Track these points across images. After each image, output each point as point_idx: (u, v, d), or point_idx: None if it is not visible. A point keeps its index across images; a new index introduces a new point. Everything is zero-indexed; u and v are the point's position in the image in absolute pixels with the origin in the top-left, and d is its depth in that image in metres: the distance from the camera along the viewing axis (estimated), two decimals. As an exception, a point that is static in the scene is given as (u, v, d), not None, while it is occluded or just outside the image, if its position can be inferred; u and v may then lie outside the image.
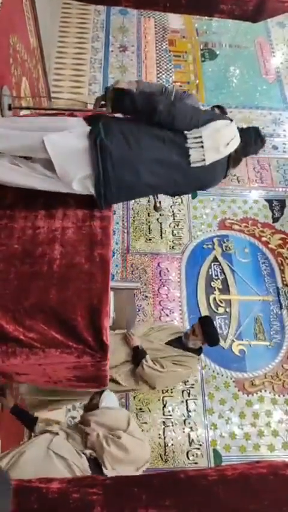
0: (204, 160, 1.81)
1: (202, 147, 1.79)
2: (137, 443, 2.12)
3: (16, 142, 1.73)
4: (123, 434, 2.06)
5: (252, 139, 1.98)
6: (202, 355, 3.67)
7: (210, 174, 1.92)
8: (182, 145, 1.78)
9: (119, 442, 2.04)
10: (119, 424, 2.15)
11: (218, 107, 2.54)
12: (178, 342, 2.76)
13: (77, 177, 1.70)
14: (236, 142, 1.89)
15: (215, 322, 3.82)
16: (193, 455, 3.35)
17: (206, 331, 2.68)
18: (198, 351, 2.76)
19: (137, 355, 2.63)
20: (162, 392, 3.50)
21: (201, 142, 1.79)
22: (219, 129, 1.83)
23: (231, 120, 1.91)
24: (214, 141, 1.81)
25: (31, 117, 2.26)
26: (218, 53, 5.61)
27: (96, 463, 2.03)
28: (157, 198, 2.59)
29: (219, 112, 2.32)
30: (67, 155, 1.68)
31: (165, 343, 2.76)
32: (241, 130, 1.95)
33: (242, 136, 1.92)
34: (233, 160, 1.92)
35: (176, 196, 2.21)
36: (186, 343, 2.72)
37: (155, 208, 2.62)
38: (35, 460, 1.85)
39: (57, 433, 2.07)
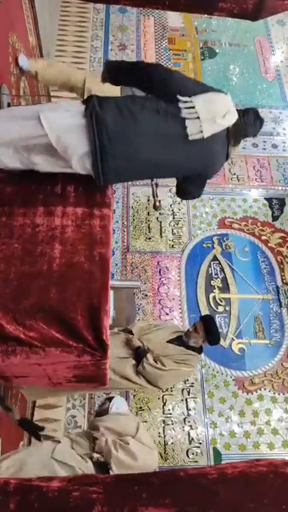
0: (202, 132, 1.76)
1: (198, 118, 1.75)
2: (145, 451, 2.13)
3: (15, 133, 1.72)
4: (131, 441, 2.08)
5: (251, 120, 1.96)
6: (202, 354, 3.69)
7: (211, 151, 1.86)
8: (177, 115, 1.75)
9: (127, 448, 2.06)
10: (128, 430, 2.17)
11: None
12: (179, 341, 2.76)
13: (75, 153, 1.68)
14: (233, 116, 1.86)
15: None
16: (193, 454, 3.35)
17: (207, 329, 2.68)
18: (199, 350, 2.77)
19: (139, 355, 2.63)
20: (162, 392, 3.50)
21: (196, 113, 1.76)
22: (213, 100, 1.82)
23: (226, 93, 1.91)
24: (209, 112, 1.78)
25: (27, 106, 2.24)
26: (217, 51, 5.60)
27: (102, 467, 2.03)
28: (157, 196, 2.59)
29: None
30: (64, 132, 1.67)
31: (166, 342, 2.77)
32: (240, 111, 1.93)
33: (242, 116, 1.91)
34: (232, 136, 1.88)
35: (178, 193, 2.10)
36: (187, 341, 2.72)
37: (155, 207, 2.62)
38: (37, 470, 1.85)
39: (59, 441, 2.08)
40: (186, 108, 1.76)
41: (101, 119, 1.66)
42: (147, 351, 2.64)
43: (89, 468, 2.02)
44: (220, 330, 3.80)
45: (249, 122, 1.95)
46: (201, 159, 1.88)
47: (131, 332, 2.81)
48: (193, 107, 1.76)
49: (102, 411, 2.38)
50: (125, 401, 2.54)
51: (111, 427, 2.20)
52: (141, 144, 1.72)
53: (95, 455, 2.08)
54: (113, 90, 2.61)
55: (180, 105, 1.75)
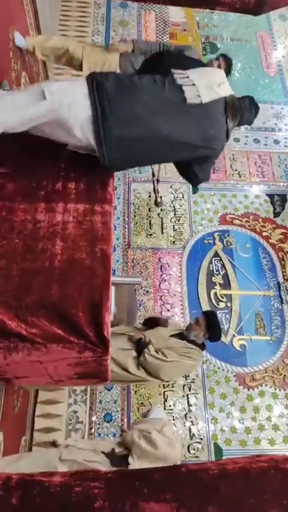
0: (199, 96, 1.81)
1: (194, 85, 1.82)
2: (167, 442, 2.23)
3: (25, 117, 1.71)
4: (154, 432, 2.18)
5: (247, 104, 2.03)
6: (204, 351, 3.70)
7: (210, 118, 1.88)
8: (174, 83, 1.82)
9: (148, 437, 2.15)
10: (155, 426, 2.25)
11: (223, 56, 2.53)
12: (180, 337, 2.77)
13: (77, 121, 1.69)
14: (228, 88, 1.93)
15: (216, 317, 3.85)
16: (194, 449, 3.37)
17: (209, 324, 2.68)
18: (201, 346, 2.77)
19: (140, 346, 2.63)
20: (164, 387, 3.52)
21: (192, 81, 1.83)
22: (207, 71, 1.91)
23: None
24: (205, 80, 1.86)
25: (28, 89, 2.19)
26: (219, 46, 5.57)
27: (121, 459, 2.09)
28: (158, 192, 2.59)
29: (223, 60, 2.32)
30: (67, 102, 1.68)
31: (170, 336, 2.77)
32: (237, 98, 2.00)
33: (239, 102, 1.99)
34: (230, 110, 1.92)
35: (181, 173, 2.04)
36: (188, 335, 2.72)
37: (156, 203, 2.62)
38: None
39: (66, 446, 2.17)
40: (181, 78, 1.84)
41: (101, 85, 1.70)
42: (148, 343, 2.64)
43: (101, 459, 2.09)
44: (221, 326, 3.80)
45: (244, 106, 2.00)
46: (201, 126, 1.88)
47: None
48: (187, 77, 1.85)
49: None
50: (162, 411, 2.72)
51: (142, 427, 2.30)
52: (141, 108, 1.73)
53: (118, 449, 2.15)
54: (111, 60, 2.60)
55: (175, 76, 1.84)
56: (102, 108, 1.68)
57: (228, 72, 2.41)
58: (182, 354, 2.65)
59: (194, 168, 2.02)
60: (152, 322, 2.94)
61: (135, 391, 3.49)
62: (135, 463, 2.11)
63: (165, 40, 5.49)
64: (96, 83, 1.71)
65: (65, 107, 1.67)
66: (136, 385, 3.46)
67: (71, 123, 1.69)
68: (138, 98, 1.74)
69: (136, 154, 1.86)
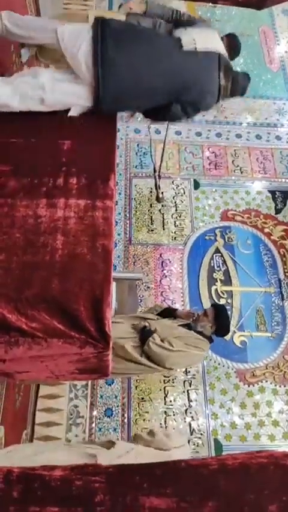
0: (195, 43, 2.02)
1: (192, 37, 2.05)
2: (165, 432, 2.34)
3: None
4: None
5: (240, 76, 2.27)
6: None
7: (203, 66, 2.07)
8: (171, 33, 2.13)
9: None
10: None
11: (230, 36, 2.54)
12: (187, 327, 2.68)
13: (81, 48, 1.90)
14: (223, 47, 2.15)
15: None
16: (194, 445, 3.38)
17: (217, 315, 2.63)
18: (209, 339, 2.69)
19: (144, 334, 2.55)
20: (164, 382, 3.53)
21: (190, 33, 2.08)
22: (208, 31, 2.17)
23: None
24: (203, 35, 2.10)
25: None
26: (221, 41, 5.53)
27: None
28: (159, 188, 2.58)
29: (227, 39, 2.40)
30: (74, 33, 1.95)
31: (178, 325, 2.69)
32: (234, 77, 2.22)
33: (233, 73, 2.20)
34: (223, 66, 2.10)
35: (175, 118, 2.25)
36: (195, 327, 2.64)
37: (158, 199, 2.61)
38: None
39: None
40: (180, 31, 2.10)
41: (106, 22, 1.95)
42: (153, 331, 2.55)
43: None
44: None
45: (237, 72, 2.25)
46: (194, 70, 2.07)
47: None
48: (185, 28, 2.12)
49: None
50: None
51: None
52: (139, 44, 1.97)
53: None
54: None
55: (174, 31, 2.12)
56: (103, 39, 1.88)
57: (234, 53, 2.37)
58: (189, 344, 2.57)
59: (185, 108, 2.15)
60: (170, 314, 2.84)
61: (136, 386, 3.50)
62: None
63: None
64: (101, 21, 1.95)
65: (71, 36, 1.94)
66: (137, 380, 3.48)
67: (75, 50, 1.90)
68: (138, 37, 2.00)
69: (130, 90, 2.01)
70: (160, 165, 2.81)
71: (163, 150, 3.19)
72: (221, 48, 2.12)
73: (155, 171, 2.64)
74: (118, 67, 1.90)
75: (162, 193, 2.59)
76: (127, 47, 1.93)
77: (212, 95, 2.16)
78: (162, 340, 2.52)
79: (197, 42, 2.02)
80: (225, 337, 3.74)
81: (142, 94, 2.06)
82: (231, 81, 2.17)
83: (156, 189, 2.58)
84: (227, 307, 3.87)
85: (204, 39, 2.06)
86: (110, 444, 2.14)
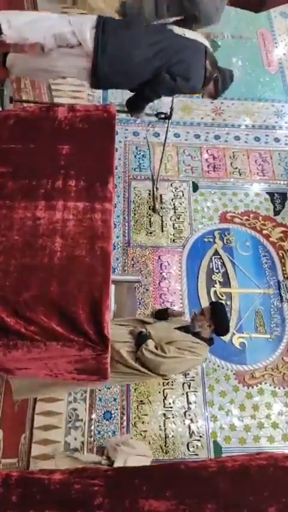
0: (184, 33, 2.42)
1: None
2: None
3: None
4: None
5: (225, 69, 2.54)
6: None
7: (191, 47, 2.39)
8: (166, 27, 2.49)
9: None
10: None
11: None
12: (185, 330, 2.62)
13: (86, 27, 2.25)
14: (209, 46, 2.51)
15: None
16: (193, 447, 3.38)
17: (215, 313, 2.56)
18: (208, 341, 2.62)
19: (140, 340, 2.51)
20: (163, 385, 3.52)
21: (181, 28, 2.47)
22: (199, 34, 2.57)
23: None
24: (191, 32, 2.50)
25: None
26: (219, 43, 5.55)
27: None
28: (157, 199, 2.59)
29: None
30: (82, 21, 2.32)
31: (174, 328, 2.63)
32: (220, 71, 2.49)
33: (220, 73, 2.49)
34: (209, 58, 2.40)
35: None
36: (193, 327, 2.59)
37: (154, 209, 2.61)
38: None
39: None
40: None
41: (108, 17, 2.34)
42: (149, 337, 2.51)
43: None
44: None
45: (223, 73, 2.51)
46: (182, 47, 2.36)
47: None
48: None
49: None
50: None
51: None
52: (131, 28, 2.35)
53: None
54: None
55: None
56: (105, 19, 2.28)
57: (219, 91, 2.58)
58: (184, 349, 2.51)
59: (167, 76, 2.34)
60: (163, 314, 2.83)
61: (135, 389, 3.49)
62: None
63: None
64: (103, 17, 2.31)
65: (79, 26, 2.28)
66: (136, 383, 3.47)
67: (82, 29, 2.25)
68: (135, 22, 2.43)
69: (125, 61, 2.28)
70: (157, 178, 2.84)
71: (162, 153, 3.19)
72: (208, 45, 2.42)
73: (153, 182, 2.66)
74: (111, 45, 2.23)
75: (161, 202, 2.59)
76: (120, 30, 2.28)
77: (199, 75, 2.39)
78: (156, 347, 2.48)
79: (186, 33, 2.38)
80: (224, 339, 3.75)
81: (133, 67, 2.31)
82: (217, 70, 2.43)
83: (153, 200, 2.59)
84: (226, 309, 3.88)
85: (193, 34, 2.40)
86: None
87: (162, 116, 2.86)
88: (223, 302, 3.88)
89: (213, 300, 3.90)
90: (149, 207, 4.26)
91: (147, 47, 2.28)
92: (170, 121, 2.82)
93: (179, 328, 2.65)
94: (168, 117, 2.82)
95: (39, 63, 2.43)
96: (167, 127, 2.91)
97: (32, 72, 2.60)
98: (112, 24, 2.30)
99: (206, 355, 2.79)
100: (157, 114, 2.91)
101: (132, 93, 2.53)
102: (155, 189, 2.58)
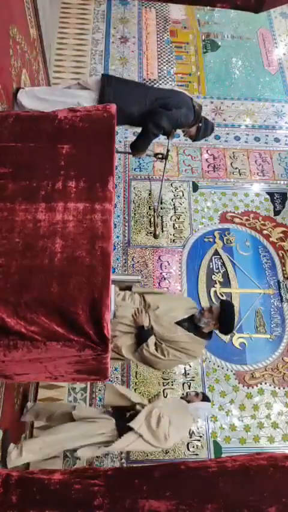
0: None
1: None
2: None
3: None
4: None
5: (208, 124, 3.04)
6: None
7: (179, 93, 2.91)
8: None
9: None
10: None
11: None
12: (189, 322, 2.62)
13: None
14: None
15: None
16: (193, 447, 3.38)
17: (223, 314, 2.56)
18: (207, 335, 2.65)
19: (141, 335, 2.54)
20: (163, 385, 3.52)
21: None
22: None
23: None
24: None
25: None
26: (220, 44, 5.55)
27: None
28: (157, 226, 2.65)
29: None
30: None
31: (176, 323, 2.61)
32: (205, 118, 3.03)
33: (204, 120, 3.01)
34: (196, 104, 2.88)
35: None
36: (198, 321, 2.59)
37: (155, 236, 2.68)
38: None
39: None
40: None
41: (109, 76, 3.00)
42: (150, 334, 2.52)
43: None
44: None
45: (207, 124, 3.04)
46: (173, 91, 2.92)
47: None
48: None
49: (187, 399, 2.83)
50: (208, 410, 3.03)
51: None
52: (129, 83, 3.05)
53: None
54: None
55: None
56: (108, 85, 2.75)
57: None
58: (183, 351, 2.56)
59: (163, 112, 2.75)
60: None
61: (135, 389, 3.49)
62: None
63: (165, 37, 5.48)
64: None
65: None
66: (136, 383, 3.47)
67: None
68: (130, 85, 2.90)
69: (124, 98, 2.69)
70: (158, 205, 3.09)
71: (161, 187, 3.34)
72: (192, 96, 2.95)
73: (154, 211, 2.76)
74: (116, 91, 2.69)
75: (162, 228, 2.68)
76: (121, 83, 2.79)
77: (190, 108, 2.81)
78: (156, 347, 2.52)
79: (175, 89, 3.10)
80: (224, 339, 3.75)
81: (134, 100, 2.72)
82: (203, 118, 2.95)
83: (154, 227, 2.67)
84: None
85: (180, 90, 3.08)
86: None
87: (160, 156, 3.15)
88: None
89: (213, 300, 3.90)
90: (149, 207, 4.26)
91: (141, 92, 2.79)
92: (166, 160, 3.11)
93: (181, 322, 2.62)
94: (165, 157, 3.07)
95: None
96: (164, 165, 3.15)
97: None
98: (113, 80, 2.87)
99: (202, 352, 2.88)
100: (155, 155, 3.19)
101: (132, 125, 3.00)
102: (155, 216, 2.67)
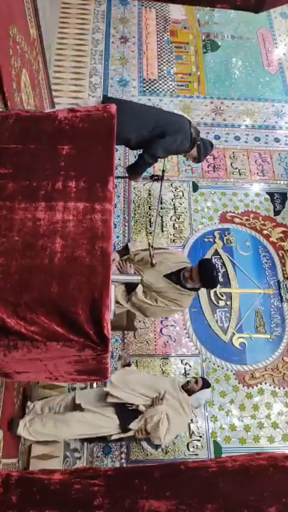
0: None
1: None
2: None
3: None
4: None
5: (205, 141, 3.06)
6: (203, 349, 3.71)
7: (178, 118, 2.93)
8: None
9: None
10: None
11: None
12: (177, 277, 2.77)
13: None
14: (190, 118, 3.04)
15: (215, 316, 3.84)
16: (193, 447, 3.38)
17: (204, 272, 2.70)
18: (194, 290, 2.80)
19: (130, 286, 2.71)
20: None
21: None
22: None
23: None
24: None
25: None
26: (220, 44, 5.56)
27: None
28: (153, 257, 2.71)
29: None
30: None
31: (164, 276, 2.77)
32: (202, 139, 3.03)
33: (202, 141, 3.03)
34: (193, 127, 2.91)
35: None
36: (184, 282, 2.74)
37: (152, 264, 2.75)
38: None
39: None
40: None
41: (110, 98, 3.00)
42: (138, 283, 2.66)
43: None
44: (221, 325, 3.81)
45: (206, 144, 3.06)
46: (172, 117, 2.92)
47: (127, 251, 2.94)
48: None
49: (188, 388, 3.05)
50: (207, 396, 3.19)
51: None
52: (133, 104, 3.05)
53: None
54: None
55: None
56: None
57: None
58: (170, 299, 2.72)
59: (159, 143, 2.81)
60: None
61: (135, 389, 3.49)
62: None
63: (165, 37, 5.48)
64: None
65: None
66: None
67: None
68: (130, 110, 2.81)
69: (127, 122, 2.66)
70: (153, 238, 3.17)
71: (157, 209, 3.39)
72: (191, 120, 2.99)
73: (149, 244, 2.82)
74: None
75: (155, 261, 2.73)
76: (121, 107, 2.53)
77: (186, 135, 2.87)
78: (145, 294, 2.70)
79: (175, 110, 3.10)
80: (224, 339, 3.75)
81: (132, 125, 2.75)
82: (200, 138, 2.96)
83: (150, 257, 2.72)
84: (226, 309, 3.89)
85: (179, 112, 3.16)
86: None
87: (156, 177, 3.18)
88: (223, 303, 3.89)
89: (213, 299, 3.90)
90: (149, 207, 4.26)
91: (144, 116, 2.83)
92: (162, 182, 3.14)
93: (170, 275, 2.78)
94: (160, 178, 3.11)
95: None
96: (160, 186, 3.18)
97: None
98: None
99: (190, 303, 3.00)
100: (151, 177, 3.23)
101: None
102: (150, 248, 2.74)
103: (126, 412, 2.94)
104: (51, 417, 2.91)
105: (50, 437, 2.91)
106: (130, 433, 2.96)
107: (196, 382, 3.08)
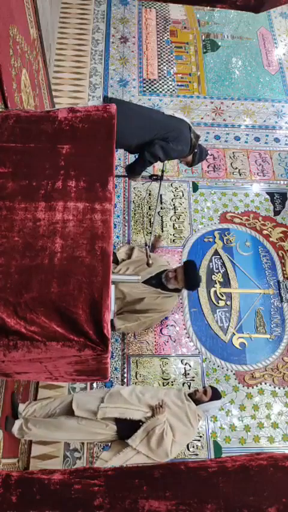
0: (173, 113, 3.09)
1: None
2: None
3: None
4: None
5: (202, 149, 3.17)
6: (203, 349, 3.70)
7: (178, 123, 2.97)
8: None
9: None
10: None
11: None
12: (158, 280, 2.86)
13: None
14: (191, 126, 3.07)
15: (215, 316, 3.85)
16: (193, 447, 3.38)
17: (187, 277, 2.81)
18: (177, 290, 2.89)
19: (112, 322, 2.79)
20: (163, 385, 3.52)
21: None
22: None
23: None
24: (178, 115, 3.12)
25: None
26: (220, 44, 5.56)
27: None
28: (149, 257, 2.72)
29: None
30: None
31: (144, 282, 2.85)
32: (199, 146, 3.13)
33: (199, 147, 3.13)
34: (192, 132, 2.96)
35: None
36: (166, 284, 2.82)
37: (148, 265, 2.78)
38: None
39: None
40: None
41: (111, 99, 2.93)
42: (138, 282, 2.71)
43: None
44: (221, 325, 3.81)
45: (201, 150, 3.17)
46: (172, 122, 2.95)
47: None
48: None
49: (196, 398, 2.82)
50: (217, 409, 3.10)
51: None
52: (133, 107, 3.00)
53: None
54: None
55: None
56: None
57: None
58: (150, 310, 2.86)
59: (161, 143, 2.86)
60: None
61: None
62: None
63: (165, 37, 5.48)
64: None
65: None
66: (136, 383, 3.47)
67: None
68: (132, 113, 2.82)
69: (127, 127, 2.70)
70: (150, 240, 3.17)
71: (156, 209, 3.42)
72: (191, 124, 3.04)
73: (146, 244, 2.87)
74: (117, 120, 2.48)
75: (152, 263, 2.77)
76: (123, 110, 2.55)
77: (187, 142, 2.93)
78: (125, 318, 2.89)
79: (175, 114, 3.05)
80: (224, 339, 3.75)
81: (135, 132, 2.79)
82: (198, 145, 3.03)
83: (147, 257, 2.74)
84: (226, 309, 3.88)
85: (180, 115, 3.07)
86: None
87: (155, 177, 3.21)
88: (223, 303, 3.89)
89: (213, 299, 3.90)
90: (149, 207, 4.26)
91: (145, 120, 2.86)
92: (161, 182, 3.17)
93: (150, 279, 2.88)
94: (160, 178, 3.14)
95: None
96: (159, 187, 3.18)
97: None
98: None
99: (173, 305, 3.11)
100: (151, 176, 3.25)
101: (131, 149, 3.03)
102: (147, 248, 2.78)
103: (124, 421, 2.69)
104: (47, 422, 2.73)
105: (48, 439, 2.86)
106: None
107: (205, 392, 2.85)
